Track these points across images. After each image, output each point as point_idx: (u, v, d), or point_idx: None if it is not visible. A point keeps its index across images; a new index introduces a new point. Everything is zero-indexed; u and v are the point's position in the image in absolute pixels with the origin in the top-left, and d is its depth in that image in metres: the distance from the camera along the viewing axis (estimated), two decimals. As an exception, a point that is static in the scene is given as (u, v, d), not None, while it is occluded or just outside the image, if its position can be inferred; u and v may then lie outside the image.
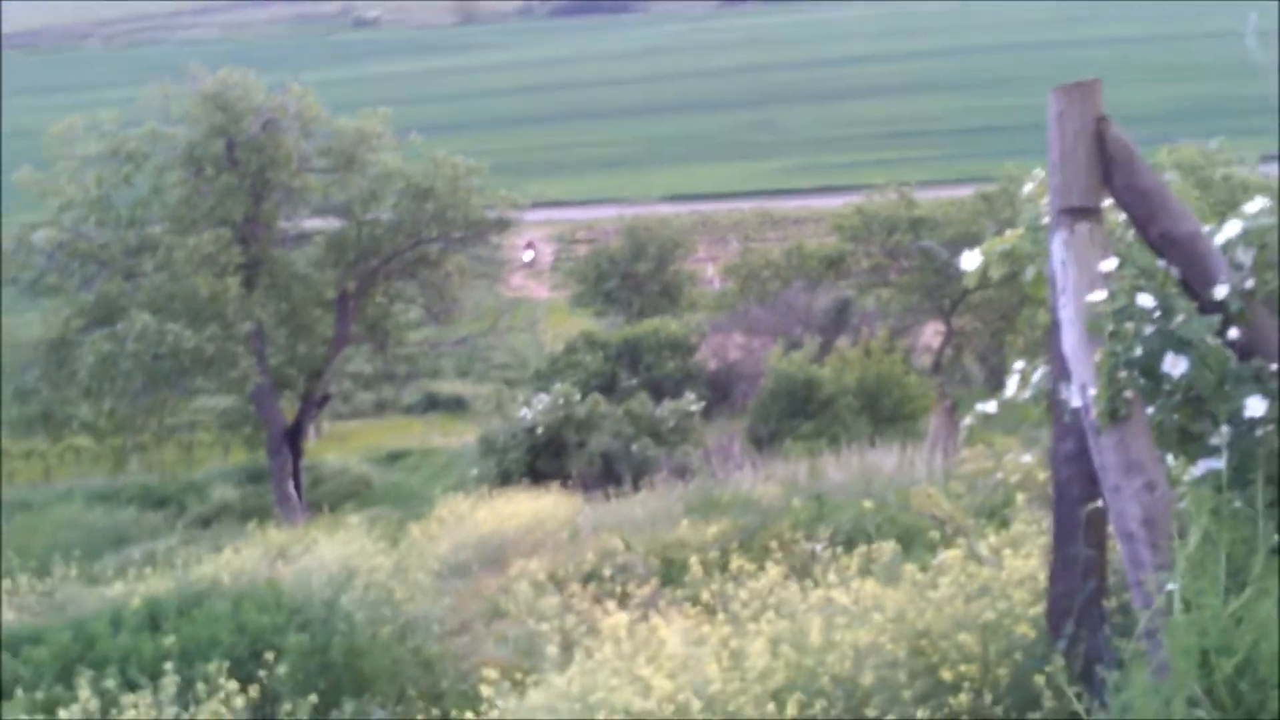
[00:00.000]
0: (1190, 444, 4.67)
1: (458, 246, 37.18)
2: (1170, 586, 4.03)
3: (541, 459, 27.54)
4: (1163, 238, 4.92)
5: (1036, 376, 5.67)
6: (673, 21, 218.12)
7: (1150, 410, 4.60)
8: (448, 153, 36.17)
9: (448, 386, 53.86)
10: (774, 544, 10.04)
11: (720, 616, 7.25)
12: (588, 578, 11.01)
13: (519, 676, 7.13)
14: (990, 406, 5.95)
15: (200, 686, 8.69)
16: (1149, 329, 4.52)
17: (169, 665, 8.74)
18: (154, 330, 29.93)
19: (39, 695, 9.09)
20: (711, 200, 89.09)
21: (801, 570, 8.91)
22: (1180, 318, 4.51)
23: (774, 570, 7.71)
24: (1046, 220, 5.37)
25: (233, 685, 8.41)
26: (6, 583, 13.34)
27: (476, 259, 39.31)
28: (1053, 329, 5.20)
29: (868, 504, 11.40)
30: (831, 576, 7.19)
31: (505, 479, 25.72)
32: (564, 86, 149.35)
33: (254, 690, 8.70)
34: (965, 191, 50.28)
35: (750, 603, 7.09)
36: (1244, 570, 4.02)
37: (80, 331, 31.61)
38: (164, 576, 13.30)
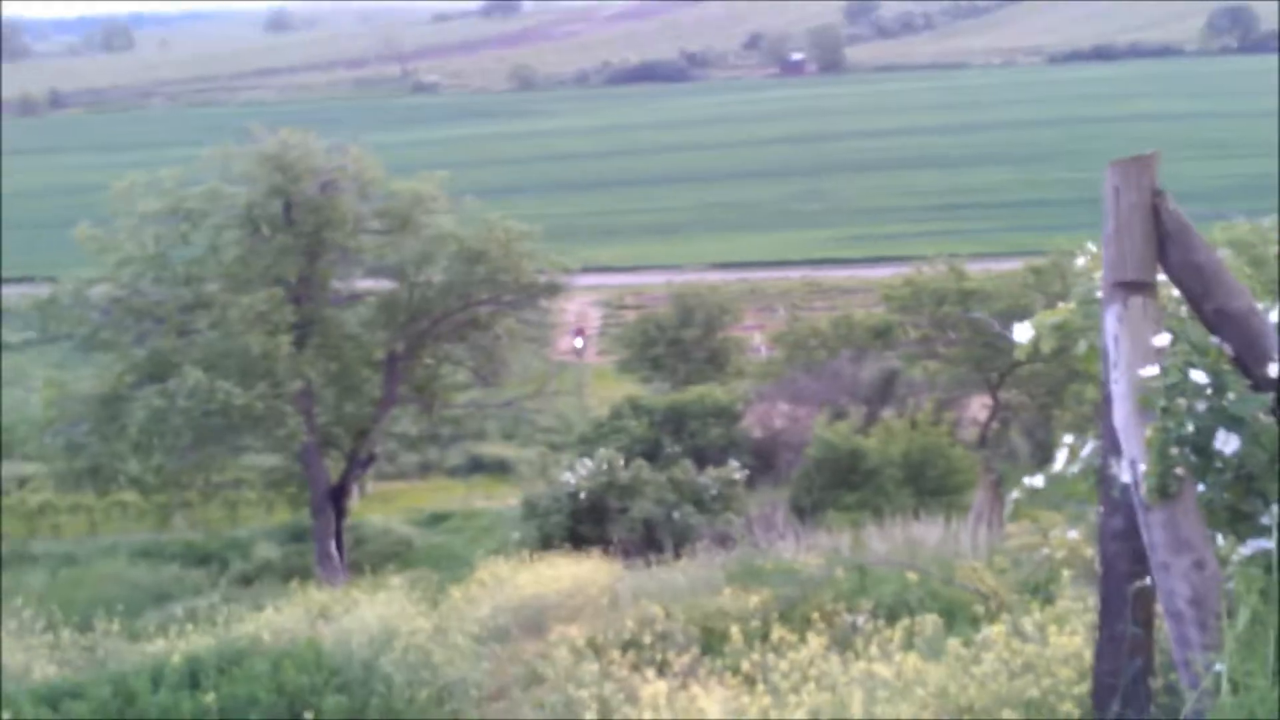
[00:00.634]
0: (1240, 523, 4.61)
1: (507, 310, 37.34)
2: (1218, 667, 3.96)
3: (583, 524, 27.46)
4: (1217, 313, 4.87)
5: (1086, 451, 5.61)
6: (729, 91, 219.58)
7: (1201, 488, 4.55)
8: (501, 216, 36.42)
9: (492, 449, 53.93)
10: (816, 615, 9.95)
11: (760, 687, 7.17)
12: (627, 645, 10.92)
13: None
14: (1037, 481, 5.90)
15: (238, 745, 8.68)
16: (1201, 405, 4.48)
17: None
18: (205, 387, 30.13)
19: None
20: (760, 268, 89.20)
21: (843, 642, 8.82)
22: (1233, 395, 4.47)
23: (815, 641, 7.63)
24: (1099, 294, 5.33)
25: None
26: (49, 636, 13.36)
27: (525, 322, 39.48)
28: (1103, 403, 5.15)
29: (911, 576, 11.29)
30: (874, 649, 7.11)
31: (547, 543, 25.64)
32: (617, 153, 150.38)
33: (291, 750, 8.68)
34: (1014, 264, 50.14)
35: (791, 674, 7.03)
36: (1293, 652, 3.95)
37: (132, 387, 31.85)
38: (205, 634, 13.30)
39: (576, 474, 28.54)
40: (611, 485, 28.07)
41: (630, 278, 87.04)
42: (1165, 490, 4.43)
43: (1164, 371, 4.59)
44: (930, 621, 7.94)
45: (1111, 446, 5.04)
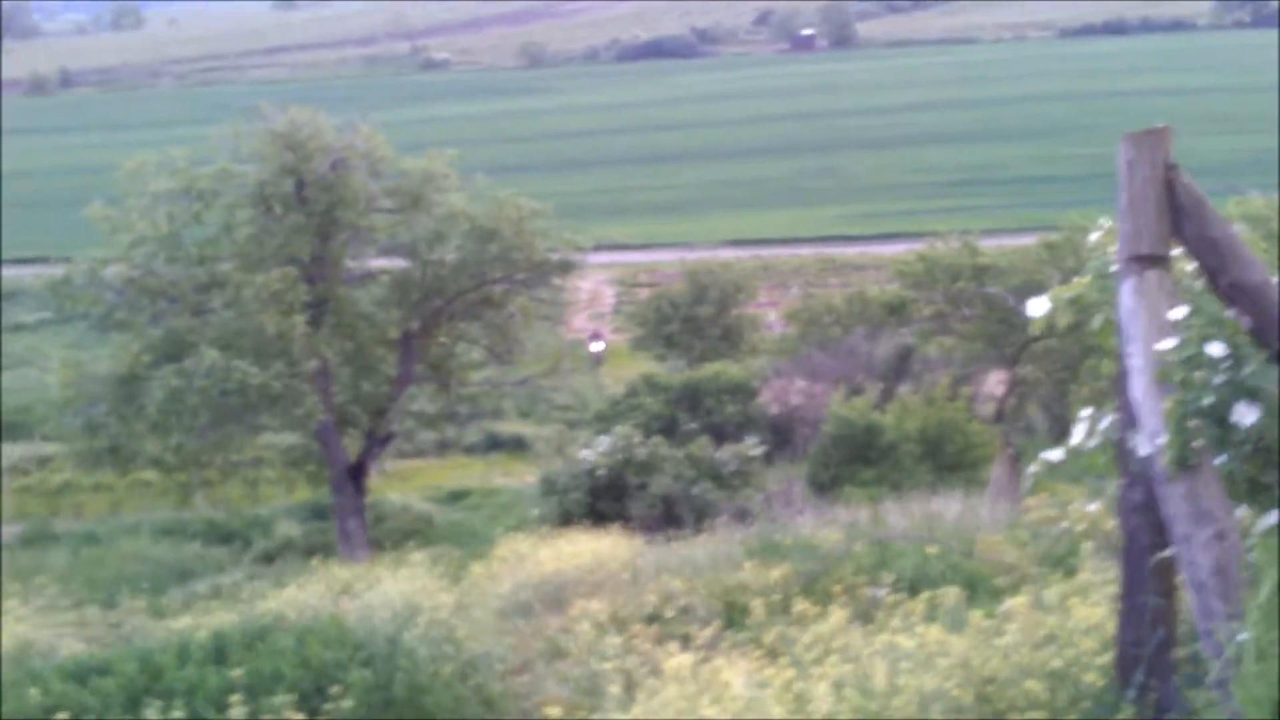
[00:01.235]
0: (1260, 494, 4.66)
1: (521, 288, 37.37)
2: (1241, 637, 4.02)
3: (602, 500, 27.54)
4: (1233, 287, 4.91)
5: (1104, 424, 5.67)
6: (739, 67, 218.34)
7: (1219, 460, 4.60)
8: (512, 194, 36.42)
9: (509, 427, 54.02)
10: (837, 589, 10.02)
11: (783, 659, 7.25)
12: (649, 619, 11.01)
13: (581, 715, 7.16)
14: (1055, 455, 5.95)
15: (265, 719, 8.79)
16: (1219, 378, 4.52)
17: (235, 697, 8.87)
18: (221, 367, 30.26)
19: (107, 725, 9.21)
20: (774, 245, 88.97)
21: (864, 615, 8.90)
22: (1250, 367, 4.51)
23: (837, 614, 7.70)
24: (1114, 268, 5.38)
25: (299, 718, 8.48)
26: (75, 614, 13.52)
27: (539, 301, 39.51)
28: (1120, 377, 5.20)
29: (931, 550, 11.35)
30: (895, 622, 7.18)
31: (566, 519, 25.72)
32: (628, 130, 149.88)
33: (319, 724, 8.79)
34: (1028, 240, 49.97)
35: (813, 646, 7.09)
36: (1315, 621, 4.00)
37: (149, 367, 31.97)
38: (229, 610, 13.44)
39: (594, 451, 28.62)
40: (629, 462, 28.14)
41: (643, 255, 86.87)
42: (1185, 462, 4.49)
43: (1181, 345, 4.64)
44: (952, 594, 8.02)
45: (1130, 420, 5.10)
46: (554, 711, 6.94)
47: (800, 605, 8.33)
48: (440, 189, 35.79)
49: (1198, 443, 4.50)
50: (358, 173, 34.61)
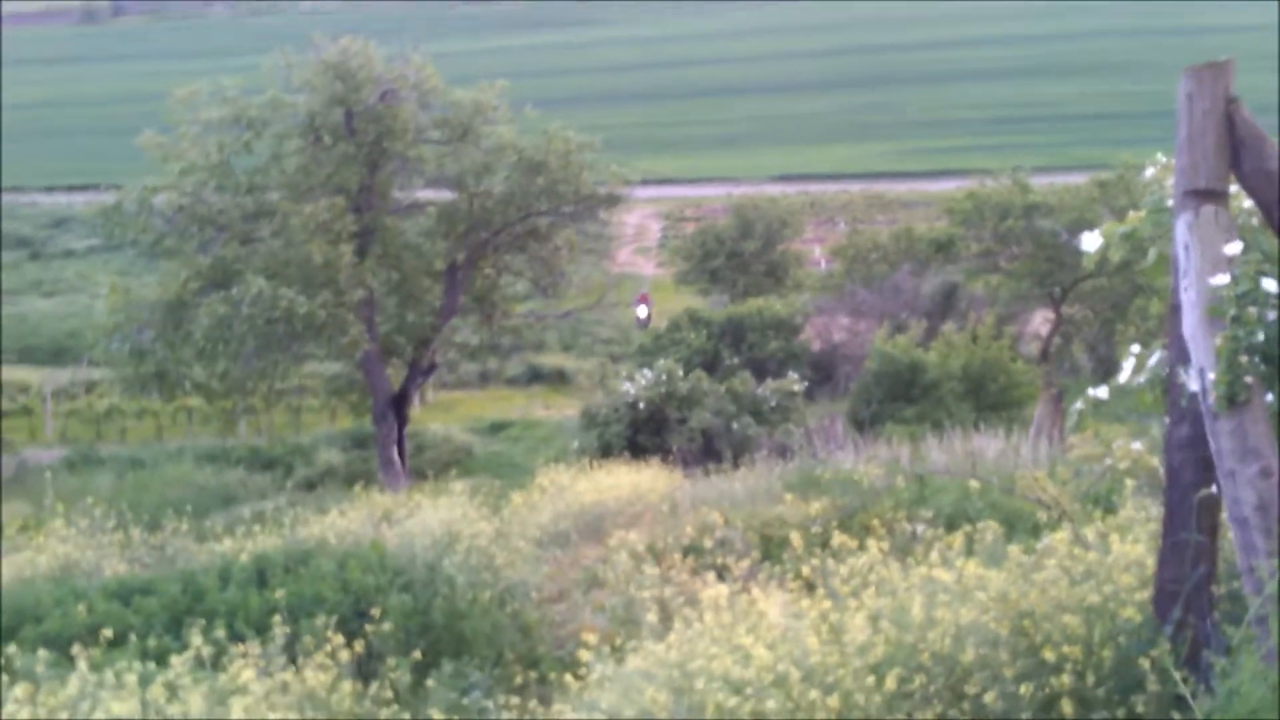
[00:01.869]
0: (1310, 432, 4.59)
1: (567, 221, 37.29)
2: (1283, 573, 3.98)
3: (642, 434, 27.63)
4: (1290, 222, 4.83)
5: (1153, 361, 5.60)
6: (791, 0, 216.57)
7: (1270, 397, 4.53)
8: (561, 127, 36.28)
9: (551, 360, 54.19)
10: (875, 523, 10.00)
11: (820, 591, 7.24)
12: (687, 551, 11.03)
13: (617, 643, 7.18)
14: (1102, 392, 5.89)
15: (307, 640, 8.87)
16: (1272, 314, 4.45)
17: (276, 619, 8.95)
18: (268, 295, 30.42)
19: (150, 643, 9.31)
20: (821, 181, 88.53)
21: (903, 550, 8.87)
22: (1305, 303, 4.44)
23: (875, 548, 7.68)
24: (1169, 203, 5.30)
25: (339, 640, 8.56)
26: (120, 535, 13.64)
27: (585, 234, 39.42)
28: (1172, 313, 5.13)
29: (972, 485, 11.30)
30: (934, 556, 7.15)
31: (606, 452, 25.82)
32: (678, 64, 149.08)
33: (358, 646, 8.87)
34: (1079, 178, 49.47)
35: (850, 579, 7.07)
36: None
37: (197, 294, 32.17)
38: (271, 535, 13.54)
39: (636, 384, 28.67)
40: (670, 396, 28.19)
41: (690, 190, 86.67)
42: (1234, 398, 4.43)
43: (1235, 280, 4.56)
44: (991, 529, 7.97)
45: (1180, 355, 5.03)
46: (591, 638, 6.95)
47: (838, 539, 8.30)
48: (489, 121, 35.70)
49: (1248, 379, 4.43)
50: (407, 103, 34.55)
